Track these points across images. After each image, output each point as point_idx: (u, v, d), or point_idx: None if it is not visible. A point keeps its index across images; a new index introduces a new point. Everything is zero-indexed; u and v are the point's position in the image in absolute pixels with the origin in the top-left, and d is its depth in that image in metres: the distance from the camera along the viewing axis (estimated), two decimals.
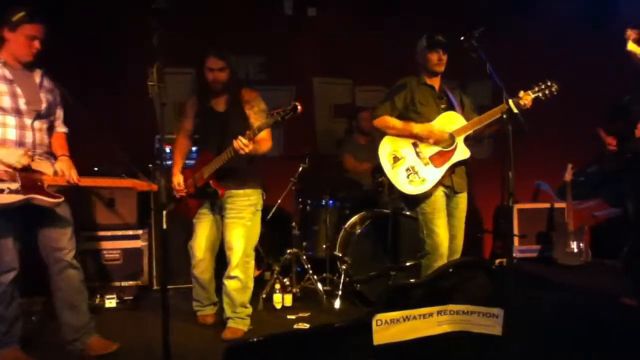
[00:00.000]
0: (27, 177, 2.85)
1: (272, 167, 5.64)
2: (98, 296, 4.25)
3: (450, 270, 2.57)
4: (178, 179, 3.68)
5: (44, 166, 2.98)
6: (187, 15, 5.38)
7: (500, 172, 5.78)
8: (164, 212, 2.10)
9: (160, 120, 2.29)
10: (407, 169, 3.51)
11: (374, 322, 2.38)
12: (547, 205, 6.40)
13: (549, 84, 3.37)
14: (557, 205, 6.33)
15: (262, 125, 3.34)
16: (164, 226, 2.13)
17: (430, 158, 3.50)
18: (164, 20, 2.36)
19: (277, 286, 4.23)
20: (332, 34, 5.85)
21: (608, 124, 3.91)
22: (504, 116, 2.81)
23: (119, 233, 4.75)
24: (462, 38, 3.06)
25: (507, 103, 2.84)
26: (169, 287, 3.75)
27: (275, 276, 4.32)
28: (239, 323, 3.63)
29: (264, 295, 4.24)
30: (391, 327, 2.40)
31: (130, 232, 4.80)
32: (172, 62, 3.99)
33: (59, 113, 3.24)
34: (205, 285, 3.83)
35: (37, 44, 2.95)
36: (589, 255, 6.05)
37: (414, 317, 2.45)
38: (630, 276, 3.89)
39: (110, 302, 4.26)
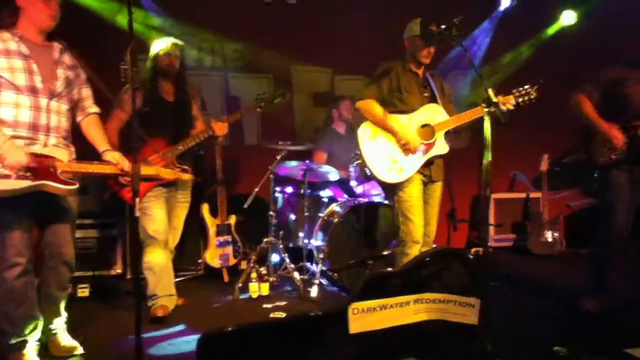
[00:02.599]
0: (39, 162, 2.64)
1: (250, 156, 5.61)
2: (70, 285, 4.14)
3: (427, 259, 2.57)
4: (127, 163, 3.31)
5: (57, 154, 2.76)
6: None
7: (477, 161, 5.85)
8: (137, 200, 2.05)
9: (134, 105, 2.24)
10: (387, 157, 3.50)
11: (350, 311, 2.37)
12: (523, 195, 6.49)
13: (527, 89, 3.41)
14: (533, 195, 6.42)
15: (245, 110, 3.95)
16: (136, 214, 2.09)
17: None
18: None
19: (254, 275, 4.20)
20: (311, 22, 5.80)
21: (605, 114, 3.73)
22: (484, 106, 2.81)
23: (93, 221, 4.66)
24: (443, 27, 3.04)
25: (487, 92, 2.84)
26: (143, 275, 3.73)
27: (251, 265, 4.28)
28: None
29: (240, 284, 4.21)
30: (367, 316, 2.40)
31: (105, 221, 4.73)
32: (144, 49, 3.91)
33: (86, 92, 3.04)
34: (163, 271, 3.74)
35: (54, 4, 2.74)
36: (563, 245, 6.14)
37: (391, 306, 2.45)
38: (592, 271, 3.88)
39: (83, 292, 4.19)
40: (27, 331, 2.80)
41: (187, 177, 3.44)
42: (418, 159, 3.49)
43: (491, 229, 6.28)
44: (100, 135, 3.05)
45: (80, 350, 2.99)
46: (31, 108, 2.71)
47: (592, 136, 3.68)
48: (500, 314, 3.37)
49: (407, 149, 3.45)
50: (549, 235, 6.10)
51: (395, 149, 3.51)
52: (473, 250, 2.79)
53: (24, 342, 2.79)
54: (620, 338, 3.14)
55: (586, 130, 3.72)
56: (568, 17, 6.44)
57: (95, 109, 3.09)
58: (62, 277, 2.98)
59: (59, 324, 3.05)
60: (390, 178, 3.48)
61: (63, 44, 2.89)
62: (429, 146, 3.51)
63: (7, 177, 2.53)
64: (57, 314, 3.03)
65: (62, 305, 3.06)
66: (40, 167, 2.63)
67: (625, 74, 3.60)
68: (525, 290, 4.46)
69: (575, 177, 6.35)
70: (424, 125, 3.52)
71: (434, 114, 3.54)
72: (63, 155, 2.79)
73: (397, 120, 3.50)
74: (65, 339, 3.03)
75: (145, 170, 3.06)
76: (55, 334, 3.03)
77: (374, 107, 3.53)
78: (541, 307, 3.97)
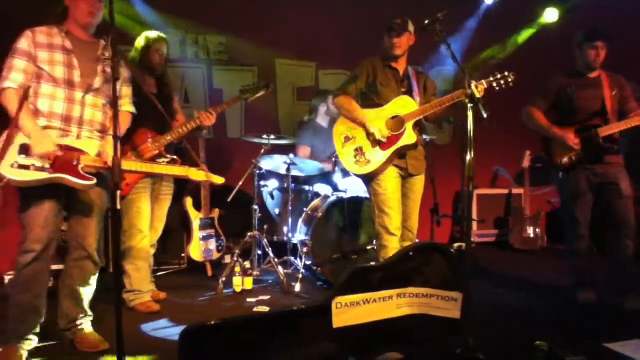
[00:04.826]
0: (62, 155, 2.65)
1: (234, 149, 5.59)
2: (52, 279, 4.07)
3: (410, 254, 2.58)
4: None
5: (88, 145, 2.77)
6: None
7: (460, 157, 5.89)
8: (118, 193, 2.03)
9: (114, 95, 2.22)
10: (356, 149, 3.59)
11: (333, 305, 2.38)
12: (506, 191, 6.55)
13: (505, 74, 3.34)
14: (515, 191, 6.48)
15: (232, 101, 3.97)
16: (118, 207, 2.06)
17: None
18: None
19: (238, 269, 4.18)
20: (295, 15, 5.78)
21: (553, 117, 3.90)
22: (467, 101, 2.82)
23: None
24: (426, 22, 3.05)
25: (470, 88, 2.85)
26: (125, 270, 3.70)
27: (235, 259, 4.27)
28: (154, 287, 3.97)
29: (224, 279, 4.19)
30: (351, 310, 2.41)
31: None
32: (125, 40, 3.88)
33: (125, 91, 3.08)
34: (147, 268, 3.79)
35: (92, 2, 2.76)
36: (544, 241, 6.21)
37: (374, 300, 2.45)
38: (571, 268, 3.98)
39: None
40: (27, 323, 2.76)
41: (219, 180, 3.27)
42: (385, 151, 3.52)
43: (474, 224, 6.34)
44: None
45: (106, 345, 2.94)
46: (66, 100, 2.75)
47: (550, 141, 3.88)
48: (482, 309, 3.40)
49: (373, 139, 3.52)
50: (530, 231, 6.17)
51: (364, 142, 3.57)
52: (456, 245, 2.80)
53: (22, 334, 2.75)
54: (601, 333, 3.18)
55: (545, 137, 3.91)
56: (551, 15, 6.52)
57: (130, 108, 3.12)
58: (86, 272, 2.95)
59: (85, 319, 3.01)
60: (358, 170, 3.57)
61: (108, 41, 2.90)
62: (397, 137, 3.52)
63: (25, 168, 2.57)
64: (82, 309, 2.99)
65: (87, 301, 3.01)
66: (63, 159, 2.66)
67: (567, 82, 3.83)
68: (507, 286, 4.50)
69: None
70: (394, 117, 3.55)
71: (405, 105, 3.56)
72: (93, 147, 2.79)
73: (367, 113, 3.57)
74: (91, 335, 2.99)
75: (173, 171, 3.11)
76: (81, 329, 2.99)
77: (348, 102, 3.61)
78: (523, 302, 4.01)
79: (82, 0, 2.77)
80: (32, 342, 2.80)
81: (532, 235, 6.16)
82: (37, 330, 2.82)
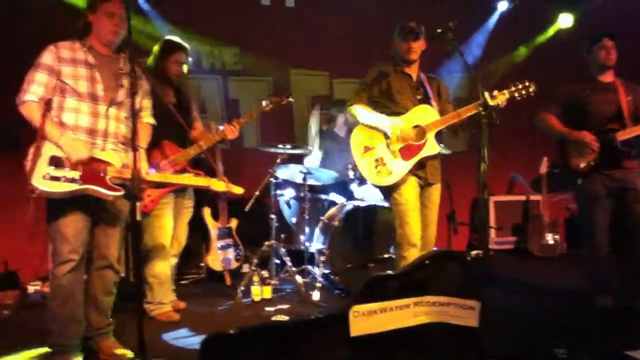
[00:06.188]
0: (90, 166, 2.72)
1: (250, 158, 5.63)
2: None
3: (427, 262, 2.58)
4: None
5: (113, 157, 2.82)
6: (160, 3, 5.37)
7: (476, 164, 5.85)
8: (137, 204, 2.07)
9: (133, 109, 2.27)
10: (376, 160, 3.51)
11: (351, 314, 2.39)
12: (523, 197, 6.50)
13: (526, 84, 3.33)
14: (533, 197, 6.43)
15: (254, 112, 4.05)
16: (138, 218, 2.10)
17: (400, 150, 3.49)
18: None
19: (256, 278, 4.20)
20: (309, 25, 5.83)
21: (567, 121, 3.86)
22: (480, 109, 2.83)
23: None
24: (438, 30, 3.06)
25: (482, 95, 2.85)
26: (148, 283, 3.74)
27: (253, 268, 4.29)
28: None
29: (242, 288, 4.21)
30: (368, 319, 2.41)
31: None
32: (143, 54, 3.92)
33: (146, 103, 3.15)
34: (170, 280, 3.83)
35: (116, 20, 2.81)
36: (564, 247, 6.16)
37: (391, 309, 2.46)
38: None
39: None
40: (71, 334, 2.80)
41: (238, 190, 3.36)
42: (408, 161, 3.48)
43: (492, 232, 6.30)
44: (141, 136, 3.01)
45: (130, 355, 2.95)
46: (90, 114, 2.80)
47: (566, 147, 3.84)
48: (500, 317, 3.39)
49: (403, 137, 3.45)
50: (549, 238, 6.11)
51: (385, 152, 3.50)
52: (473, 252, 2.80)
53: (68, 347, 2.80)
54: (621, 340, 3.14)
55: (560, 143, 3.88)
56: (565, 20, 6.49)
57: (150, 120, 3.18)
58: (107, 281, 3.00)
59: (107, 328, 3.05)
60: (380, 181, 3.50)
61: (129, 54, 2.95)
62: (419, 147, 3.49)
63: (56, 179, 2.62)
64: (104, 317, 3.03)
65: (108, 309, 3.05)
66: (91, 170, 2.72)
67: (579, 87, 3.82)
68: (526, 293, 4.47)
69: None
70: (415, 127, 3.50)
71: (426, 115, 3.51)
72: (117, 159, 2.84)
73: (388, 118, 3.50)
74: (113, 344, 3.02)
75: (197, 182, 3.21)
76: (104, 338, 3.02)
77: (363, 109, 3.55)
78: (542, 309, 3.98)
79: (107, 18, 2.81)
80: (78, 353, 2.84)
81: (551, 242, 6.11)
82: (79, 341, 2.86)
